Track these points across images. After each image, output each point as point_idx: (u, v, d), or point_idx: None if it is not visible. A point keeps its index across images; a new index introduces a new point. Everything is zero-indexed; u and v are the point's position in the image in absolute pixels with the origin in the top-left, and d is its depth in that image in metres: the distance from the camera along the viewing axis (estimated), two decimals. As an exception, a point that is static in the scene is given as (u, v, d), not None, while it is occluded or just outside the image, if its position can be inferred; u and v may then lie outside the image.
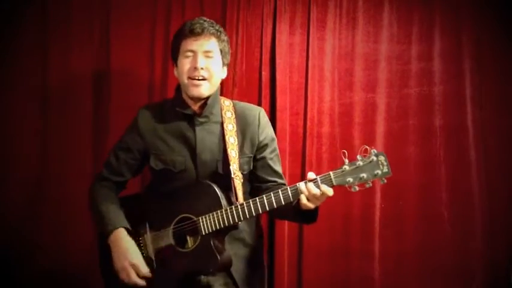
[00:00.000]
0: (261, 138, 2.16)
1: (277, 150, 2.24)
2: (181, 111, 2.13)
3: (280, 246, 2.71)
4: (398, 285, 2.80)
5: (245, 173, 2.13)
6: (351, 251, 2.78)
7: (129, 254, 2.05)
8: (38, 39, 2.64)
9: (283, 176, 2.23)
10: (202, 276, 2.09)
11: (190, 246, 2.05)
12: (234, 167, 2.07)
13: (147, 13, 2.71)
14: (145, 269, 2.05)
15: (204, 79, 2.09)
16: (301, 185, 1.89)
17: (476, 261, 2.80)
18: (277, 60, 2.74)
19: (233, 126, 2.13)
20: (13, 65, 2.64)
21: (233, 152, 2.09)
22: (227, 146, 2.09)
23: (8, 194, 2.64)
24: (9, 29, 2.63)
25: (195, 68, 2.07)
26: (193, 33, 2.08)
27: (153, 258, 2.08)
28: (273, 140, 2.21)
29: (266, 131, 2.19)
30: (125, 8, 2.69)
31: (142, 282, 2.04)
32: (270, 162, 2.18)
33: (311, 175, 1.89)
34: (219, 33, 2.12)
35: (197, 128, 2.13)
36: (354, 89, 2.80)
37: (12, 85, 2.64)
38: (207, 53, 2.09)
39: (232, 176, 2.05)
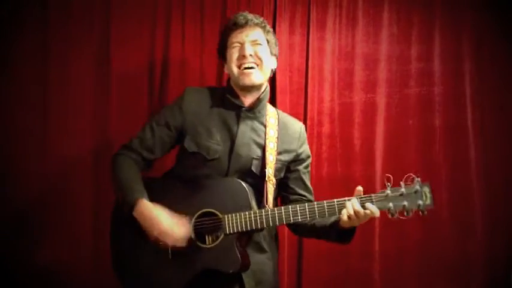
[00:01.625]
0: (299, 151, 2.20)
1: (309, 168, 2.25)
2: (231, 99, 2.13)
3: (280, 246, 2.70)
4: (398, 285, 2.80)
5: (277, 178, 2.13)
6: (351, 251, 2.77)
7: (160, 219, 1.97)
8: (38, 39, 2.64)
9: (312, 193, 2.24)
10: (213, 284, 2.05)
11: (210, 242, 2.01)
12: (270, 171, 2.07)
13: (147, 13, 2.70)
14: (180, 230, 1.97)
15: (253, 67, 2.11)
16: (348, 205, 1.87)
17: (476, 261, 2.80)
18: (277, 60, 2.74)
19: (274, 133, 2.14)
20: (13, 65, 2.63)
21: (271, 157, 2.09)
22: (266, 149, 2.09)
23: (8, 194, 2.63)
24: (10, 29, 2.62)
25: (244, 56, 2.10)
26: (237, 25, 2.13)
27: (169, 248, 2.01)
28: (308, 157, 2.24)
29: (305, 147, 2.22)
30: (125, 8, 2.68)
31: (181, 243, 1.98)
32: (303, 177, 2.20)
33: (360, 189, 1.89)
34: (263, 24, 2.17)
35: (241, 122, 2.13)
36: (354, 89, 2.80)
37: (12, 85, 2.64)
38: (253, 42, 2.12)
39: (266, 179, 2.05)
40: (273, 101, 2.74)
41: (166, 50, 2.72)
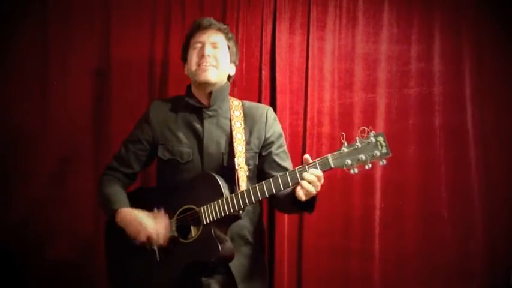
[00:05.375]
0: (267, 135, 2.20)
1: (285, 147, 2.26)
2: (190, 101, 2.19)
3: (280, 246, 2.71)
4: (398, 285, 2.79)
5: (251, 167, 2.16)
6: (351, 251, 2.77)
7: (143, 224, 2.04)
8: (38, 39, 2.65)
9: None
10: (204, 278, 2.10)
11: (193, 236, 2.06)
12: (240, 160, 2.11)
13: (147, 13, 2.72)
14: (164, 230, 2.05)
15: (211, 65, 2.15)
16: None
17: (476, 261, 2.79)
18: (277, 60, 2.74)
19: (241, 124, 2.18)
20: (13, 65, 2.64)
21: (239, 147, 2.13)
22: (234, 140, 2.14)
23: (8, 194, 2.64)
24: (9, 28, 2.63)
25: (203, 55, 2.15)
26: (200, 27, 2.20)
27: (156, 249, 2.07)
28: (280, 136, 2.25)
29: (273, 128, 2.23)
30: (125, 8, 2.70)
31: (163, 235, 2.04)
32: (276, 158, 2.20)
33: (307, 158, 1.90)
34: (226, 30, 2.23)
35: (205, 121, 2.18)
36: (354, 89, 2.80)
37: (12, 85, 2.64)
38: (214, 44, 2.18)
39: (237, 167, 2.08)
40: (273, 101, 2.75)
41: (166, 50, 2.73)
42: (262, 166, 2.20)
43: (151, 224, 2.03)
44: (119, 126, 2.63)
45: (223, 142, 2.17)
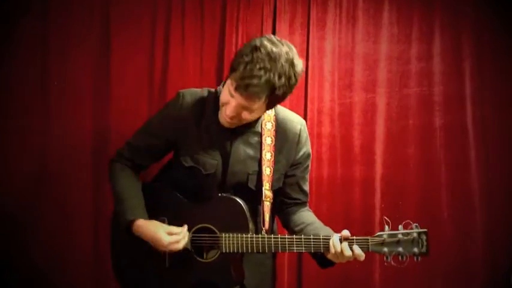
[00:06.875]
0: (297, 157, 2.07)
1: (309, 167, 2.15)
2: (220, 120, 1.98)
3: (280, 246, 2.70)
4: (398, 285, 2.79)
5: (274, 189, 2.07)
6: (351, 251, 2.78)
7: (159, 236, 1.95)
8: (38, 39, 2.64)
9: (308, 194, 2.17)
10: None
11: (207, 257, 2.01)
12: (267, 186, 2.01)
13: (147, 13, 2.71)
14: (177, 237, 1.95)
15: (236, 124, 1.96)
16: (335, 241, 1.85)
17: (476, 261, 2.79)
18: (277, 60, 2.74)
19: (272, 140, 2.03)
20: (13, 65, 2.64)
21: (267, 170, 2.01)
22: (262, 162, 2.01)
23: (8, 194, 2.64)
24: (9, 28, 2.62)
25: (227, 115, 1.91)
26: (240, 87, 1.82)
27: (166, 257, 2.03)
28: (308, 156, 2.11)
29: (304, 149, 2.08)
30: (125, 8, 2.69)
31: (182, 246, 1.96)
32: (300, 181, 2.11)
33: (346, 233, 1.86)
34: (272, 90, 1.84)
35: (234, 137, 2.02)
36: (354, 89, 2.80)
37: (12, 85, 2.64)
38: (245, 108, 1.88)
39: (263, 198, 2.01)
40: (273, 101, 2.74)
41: (166, 49, 2.72)
42: (284, 184, 2.10)
43: (172, 240, 1.94)
44: (119, 126, 2.63)
45: (250, 162, 2.02)
